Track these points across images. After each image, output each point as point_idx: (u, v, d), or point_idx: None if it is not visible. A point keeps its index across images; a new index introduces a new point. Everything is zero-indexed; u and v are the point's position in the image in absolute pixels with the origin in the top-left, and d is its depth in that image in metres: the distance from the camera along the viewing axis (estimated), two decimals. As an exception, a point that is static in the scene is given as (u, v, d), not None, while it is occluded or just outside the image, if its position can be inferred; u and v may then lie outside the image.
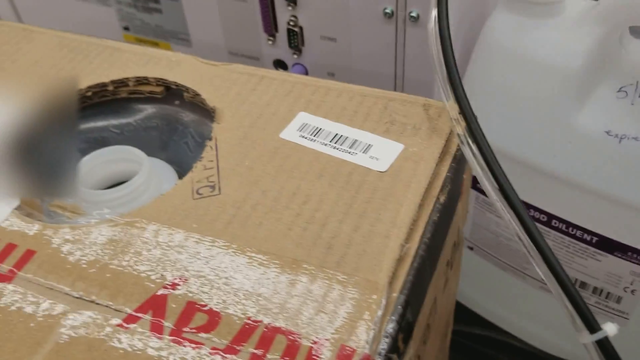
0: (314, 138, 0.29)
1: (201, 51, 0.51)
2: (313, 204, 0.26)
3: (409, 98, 0.32)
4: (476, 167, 0.26)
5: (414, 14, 0.39)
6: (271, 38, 0.47)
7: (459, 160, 0.29)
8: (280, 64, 0.49)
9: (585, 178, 0.42)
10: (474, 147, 0.26)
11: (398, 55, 0.42)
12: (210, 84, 0.33)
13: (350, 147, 0.29)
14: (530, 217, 0.25)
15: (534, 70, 0.42)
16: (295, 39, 0.45)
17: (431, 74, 0.43)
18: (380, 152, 0.28)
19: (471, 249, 0.51)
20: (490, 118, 0.40)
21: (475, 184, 0.43)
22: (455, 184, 0.29)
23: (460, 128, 0.27)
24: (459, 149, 0.29)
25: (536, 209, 0.46)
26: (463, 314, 0.53)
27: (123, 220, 0.26)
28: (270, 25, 0.46)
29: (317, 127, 0.30)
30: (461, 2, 0.44)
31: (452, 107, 0.28)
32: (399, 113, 0.31)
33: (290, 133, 0.30)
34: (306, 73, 0.48)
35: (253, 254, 0.24)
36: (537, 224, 0.47)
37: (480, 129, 0.27)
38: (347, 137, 0.29)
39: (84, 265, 0.24)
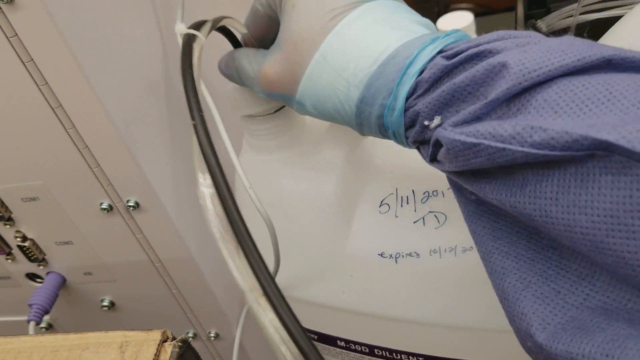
0: None
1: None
2: None
3: (107, 338, 0.26)
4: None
5: (131, 203, 0.35)
6: (9, 257, 0.41)
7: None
8: (34, 276, 0.43)
9: (377, 307, 0.38)
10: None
11: (141, 241, 0.37)
12: None
13: None
14: None
15: (295, 207, 0.38)
16: (31, 252, 0.39)
17: (187, 249, 0.39)
18: None
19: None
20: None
21: None
22: None
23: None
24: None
25: (356, 343, 0.42)
26: None
27: None
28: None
29: None
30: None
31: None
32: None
33: None
34: (64, 279, 0.42)
35: None
36: (363, 355, 0.43)
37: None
38: None
39: None
